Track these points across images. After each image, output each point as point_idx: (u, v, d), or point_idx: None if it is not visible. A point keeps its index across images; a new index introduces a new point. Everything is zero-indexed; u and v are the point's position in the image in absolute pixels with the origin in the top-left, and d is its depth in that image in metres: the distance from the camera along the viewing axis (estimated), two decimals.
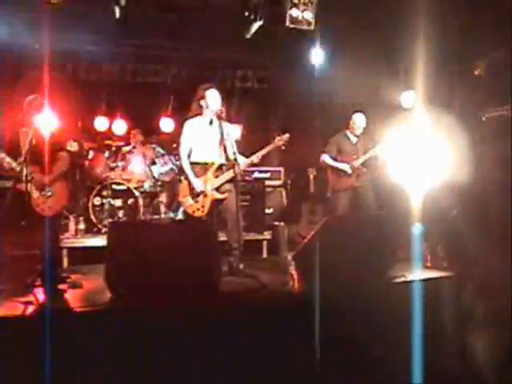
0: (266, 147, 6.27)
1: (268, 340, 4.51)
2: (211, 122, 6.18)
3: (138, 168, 8.64)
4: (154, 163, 8.79)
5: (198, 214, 6.07)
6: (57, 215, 5.81)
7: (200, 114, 6.19)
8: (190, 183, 6.10)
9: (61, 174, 5.77)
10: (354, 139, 7.76)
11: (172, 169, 8.80)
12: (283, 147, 6.33)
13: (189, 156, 6.16)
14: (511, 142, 7.01)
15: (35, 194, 5.54)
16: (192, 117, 6.23)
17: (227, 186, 6.09)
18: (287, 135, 6.31)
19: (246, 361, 4.39)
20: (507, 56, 7.21)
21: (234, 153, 5.91)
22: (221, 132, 6.08)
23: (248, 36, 7.81)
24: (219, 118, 6.08)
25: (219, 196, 6.08)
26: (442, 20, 7.37)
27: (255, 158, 6.21)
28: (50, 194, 5.60)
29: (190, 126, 6.19)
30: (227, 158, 6.12)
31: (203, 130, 6.16)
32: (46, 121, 5.87)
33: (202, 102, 6.15)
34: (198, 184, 6.06)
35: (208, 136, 6.15)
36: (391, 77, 8.57)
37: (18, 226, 5.60)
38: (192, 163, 6.14)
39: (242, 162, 6.14)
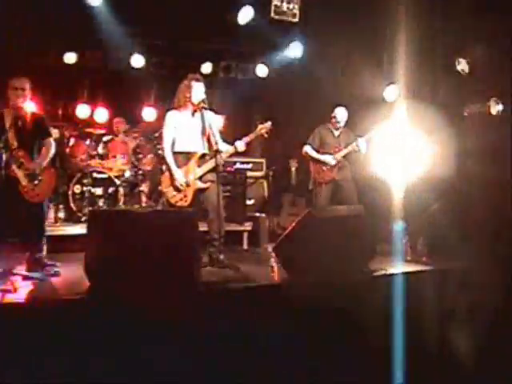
0: (249, 135, 6.27)
1: (248, 331, 4.51)
2: (194, 113, 6.17)
3: (119, 156, 8.57)
4: (135, 152, 8.73)
5: (181, 203, 6.05)
6: (43, 202, 5.76)
7: (184, 104, 6.16)
8: (171, 174, 6.08)
9: (49, 160, 5.70)
10: (336, 132, 7.77)
11: (153, 158, 8.76)
12: (266, 135, 6.32)
13: (172, 146, 6.14)
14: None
15: (24, 181, 5.47)
16: (175, 107, 6.20)
17: (209, 176, 6.08)
18: (269, 123, 6.30)
19: (225, 351, 4.38)
20: (490, 53, 7.27)
21: (217, 142, 5.93)
22: (203, 122, 6.09)
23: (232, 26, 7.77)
24: (202, 108, 6.07)
25: (202, 185, 6.07)
26: (425, 14, 7.40)
27: (238, 146, 6.19)
28: (36, 182, 5.52)
29: (173, 116, 6.17)
30: (210, 148, 6.13)
31: (186, 120, 6.15)
32: (32, 105, 5.83)
33: (188, 93, 6.11)
34: (179, 178, 6.04)
35: (190, 126, 6.13)
36: (375, 70, 8.57)
37: (9, 212, 5.49)
38: (175, 153, 6.12)
39: (225, 149, 6.16)
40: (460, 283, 5.60)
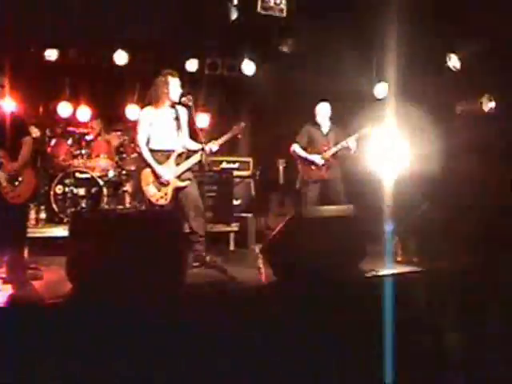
0: (224, 137, 6.28)
1: (234, 332, 4.43)
2: (171, 109, 6.14)
3: (102, 156, 8.46)
4: (119, 152, 8.60)
5: (161, 202, 6.03)
6: (25, 204, 5.69)
7: (161, 101, 6.12)
8: (153, 171, 6.04)
9: (28, 160, 5.60)
10: (325, 129, 7.70)
11: (137, 158, 8.63)
12: (239, 136, 6.39)
13: (147, 144, 6.10)
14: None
15: (4, 182, 5.36)
16: (150, 104, 6.16)
17: (188, 175, 6.10)
18: (242, 124, 6.36)
19: (211, 353, 4.29)
20: (481, 50, 7.25)
21: (202, 142, 5.94)
22: (180, 119, 6.10)
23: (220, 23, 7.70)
24: (179, 104, 6.08)
25: (181, 184, 6.05)
26: (415, 12, 7.36)
27: (213, 147, 6.18)
28: (17, 183, 5.44)
29: (148, 113, 6.14)
30: (187, 146, 6.17)
31: (162, 117, 6.12)
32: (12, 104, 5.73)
33: (166, 89, 6.09)
34: (163, 173, 6.01)
35: (167, 123, 6.12)
36: (364, 67, 8.54)
37: None
38: (152, 151, 6.08)
39: (194, 147, 6.20)
40: (451, 284, 5.54)
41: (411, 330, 5.02)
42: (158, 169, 6.00)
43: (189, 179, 6.05)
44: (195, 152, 6.11)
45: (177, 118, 6.09)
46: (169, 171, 6.02)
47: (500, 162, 6.94)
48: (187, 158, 6.10)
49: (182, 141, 6.13)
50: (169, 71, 6.19)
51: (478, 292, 5.43)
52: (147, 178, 6.06)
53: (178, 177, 6.05)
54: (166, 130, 6.10)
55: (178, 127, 6.10)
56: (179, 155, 6.11)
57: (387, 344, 4.76)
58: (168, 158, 6.07)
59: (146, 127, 6.08)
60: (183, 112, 6.16)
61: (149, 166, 6.04)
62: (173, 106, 6.10)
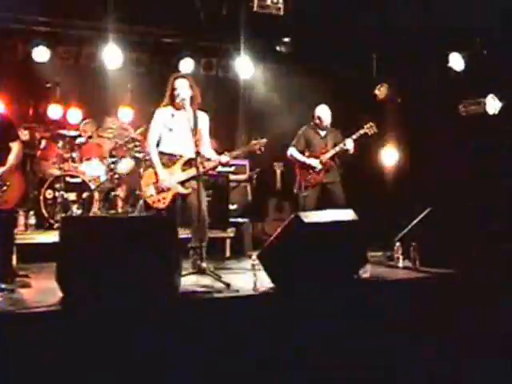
0: (240, 149, 6.42)
1: (230, 341, 4.38)
2: (188, 113, 5.93)
3: (94, 160, 8.39)
4: (111, 155, 8.47)
5: (158, 205, 6.02)
6: (13, 209, 5.62)
7: (172, 104, 6.09)
8: (156, 173, 6.02)
9: (17, 164, 5.52)
10: (322, 132, 7.65)
11: (130, 161, 8.49)
12: (259, 151, 6.26)
13: (157, 145, 6.08)
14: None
15: None
16: (164, 106, 6.14)
17: (193, 183, 5.97)
18: (264, 140, 6.26)
19: (207, 361, 4.24)
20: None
21: (197, 145, 5.76)
22: (194, 123, 5.86)
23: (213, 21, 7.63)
24: (193, 108, 5.91)
25: (183, 191, 6.00)
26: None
27: (223, 159, 6.13)
28: (5, 188, 5.35)
29: (163, 114, 6.12)
30: (197, 152, 5.91)
31: (174, 120, 6.09)
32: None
33: (172, 91, 6.06)
34: (163, 179, 5.96)
35: (179, 127, 6.04)
36: (364, 68, 8.49)
37: None
38: (161, 153, 6.07)
39: (213, 158, 6.14)
40: (454, 290, 5.49)
41: (413, 337, 4.98)
42: (161, 173, 5.97)
43: (193, 187, 5.95)
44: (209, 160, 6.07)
45: (191, 123, 5.83)
46: (172, 176, 5.99)
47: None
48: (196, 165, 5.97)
49: (195, 147, 5.83)
50: (175, 75, 6.21)
51: (481, 298, 5.37)
52: (149, 179, 6.07)
53: (182, 183, 5.99)
54: (179, 133, 6.03)
55: (192, 132, 5.84)
56: (187, 162, 6.03)
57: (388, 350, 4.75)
58: (175, 162, 6.04)
59: (159, 128, 6.08)
60: (203, 118, 6.12)
61: (153, 167, 6.04)
62: (193, 110, 5.90)
